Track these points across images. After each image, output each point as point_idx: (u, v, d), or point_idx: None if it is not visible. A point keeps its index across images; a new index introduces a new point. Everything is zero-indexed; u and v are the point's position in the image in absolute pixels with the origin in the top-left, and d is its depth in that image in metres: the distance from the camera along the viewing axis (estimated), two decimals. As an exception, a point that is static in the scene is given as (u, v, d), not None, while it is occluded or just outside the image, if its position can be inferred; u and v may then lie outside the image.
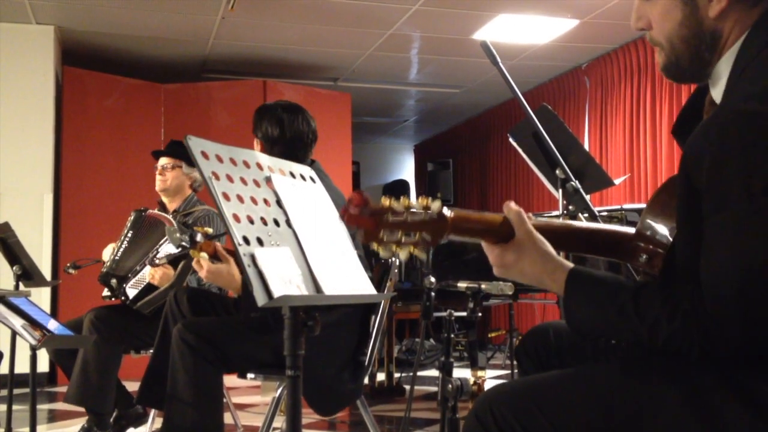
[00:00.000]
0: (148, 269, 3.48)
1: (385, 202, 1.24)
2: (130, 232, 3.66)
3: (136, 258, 3.58)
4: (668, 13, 1.35)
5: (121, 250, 3.62)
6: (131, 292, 3.48)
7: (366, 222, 1.23)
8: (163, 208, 3.83)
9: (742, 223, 1.16)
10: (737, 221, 1.16)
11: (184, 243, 2.47)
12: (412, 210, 1.25)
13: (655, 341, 1.23)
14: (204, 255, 2.54)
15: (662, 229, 1.40)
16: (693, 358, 1.20)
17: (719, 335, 1.17)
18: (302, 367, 1.58)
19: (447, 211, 1.28)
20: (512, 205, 1.39)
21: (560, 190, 2.91)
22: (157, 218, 3.65)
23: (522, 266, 1.37)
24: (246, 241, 1.49)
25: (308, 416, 3.98)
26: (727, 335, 1.16)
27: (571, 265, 1.36)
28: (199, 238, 2.55)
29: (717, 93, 1.35)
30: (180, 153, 3.79)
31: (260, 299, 1.44)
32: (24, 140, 6.02)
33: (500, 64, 2.42)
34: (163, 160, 3.81)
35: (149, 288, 3.46)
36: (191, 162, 3.70)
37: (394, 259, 2.90)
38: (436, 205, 1.26)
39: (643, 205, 4.64)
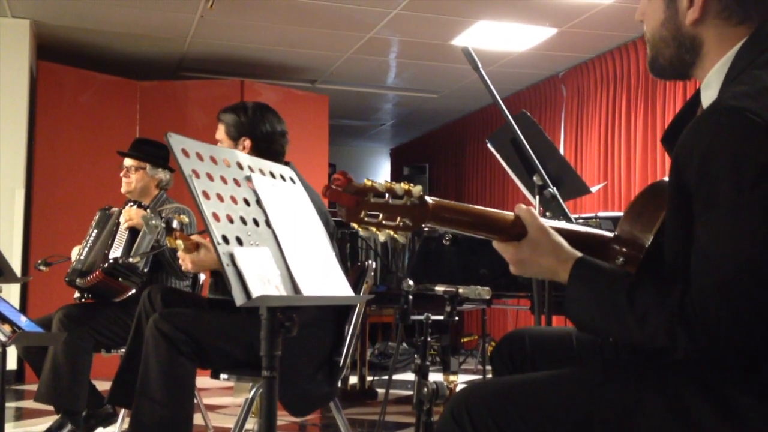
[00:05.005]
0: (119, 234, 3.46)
1: (368, 182, 1.26)
2: (95, 231, 3.64)
3: (99, 252, 3.54)
4: (654, 12, 1.42)
5: (86, 249, 3.59)
6: (116, 252, 3.43)
7: (348, 199, 1.25)
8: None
9: (731, 217, 1.17)
10: (726, 216, 1.17)
11: (160, 231, 2.46)
12: (393, 193, 1.26)
13: (641, 334, 1.23)
14: (180, 243, 2.52)
15: (639, 234, 1.42)
16: (678, 356, 1.19)
17: (703, 331, 1.17)
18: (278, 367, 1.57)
19: (428, 199, 1.29)
20: (522, 205, 1.43)
21: (537, 197, 2.93)
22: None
23: (539, 260, 1.40)
24: (225, 240, 1.48)
25: (280, 418, 3.96)
26: (710, 331, 1.17)
27: (580, 254, 1.39)
28: (175, 224, 2.54)
29: (708, 102, 1.37)
30: (145, 154, 3.74)
31: (239, 299, 1.43)
32: (-4, 134, 5.94)
33: (482, 70, 2.44)
34: (128, 161, 3.76)
35: (131, 237, 3.43)
36: (156, 163, 3.74)
37: (370, 262, 2.90)
38: (416, 190, 1.27)
39: (617, 214, 4.69)
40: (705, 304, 1.17)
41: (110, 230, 3.54)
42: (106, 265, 3.36)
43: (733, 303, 1.15)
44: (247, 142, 2.90)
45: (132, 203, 3.62)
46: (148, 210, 3.49)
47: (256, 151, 2.88)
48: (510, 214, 1.42)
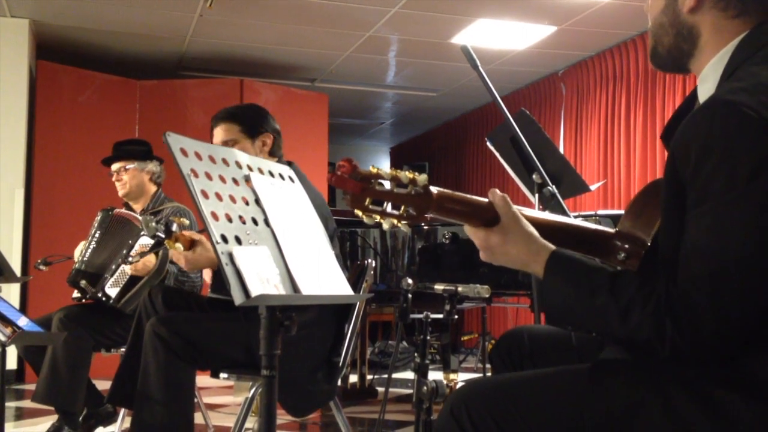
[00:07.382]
0: (124, 266, 3.44)
1: (373, 169, 1.25)
2: (98, 231, 3.63)
3: (106, 256, 3.54)
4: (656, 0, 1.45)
5: (90, 250, 3.58)
6: (112, 291, 3.43)
7: (353, 186, 1.24)
8: (129, 210, 3.77)
9: (723, 210, 1.17)
10: (718, 209, 1.17)
11: (159, 233, 2.45)
12: (398, 181, 1.25)
13: (624, 326, 1.22)
14: (179, 246, 2.51)
15: (641, 230, 1.41)
16: (664, 352, 1.19)
17: (688, 322, 1.16)
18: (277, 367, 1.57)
19: (433, 188, 1.29)
20: (497, 191, 1.40)
21: (537, 195, 2.93)
22: (125, 217, 3.63)
23: (507, 248, 1.38)
24: (224, 239, 1.48)
25: (280, 417, 3.96)
26: (694, 321, 1.16)
27: (554, 247, 1.37)
28: (174, 228, 2.53)
29: (704, 96, 1.38)
30: (128, 153, 3.75)
31: (238, 298, 1.43)
32: (-5, 134, 5.94)
33: (480, 68, 2.43)
34: (115, 166, 3.77)
35: (131, 282, 3.42)
36: (143, 157, 3.73)
37: (370, 261, 2.90)
38: (421, 178, 1.26)
39: (617, 211, 4.69)
40: (691, 293, 1.16)
41: (119, 252, 3.50)
42: (103, 298, 3.43)
43: (719, 294, 1.15)
44: (269, 138, 2.91)
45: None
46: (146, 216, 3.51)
47: (276, 146, 2.93)
48: (485, 200, 1.39)
